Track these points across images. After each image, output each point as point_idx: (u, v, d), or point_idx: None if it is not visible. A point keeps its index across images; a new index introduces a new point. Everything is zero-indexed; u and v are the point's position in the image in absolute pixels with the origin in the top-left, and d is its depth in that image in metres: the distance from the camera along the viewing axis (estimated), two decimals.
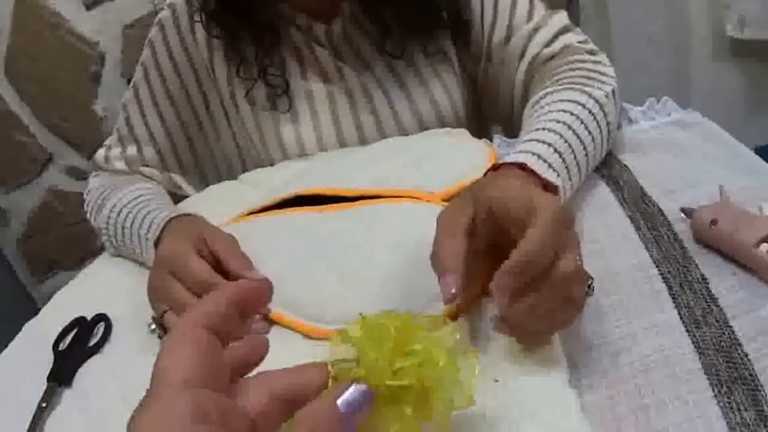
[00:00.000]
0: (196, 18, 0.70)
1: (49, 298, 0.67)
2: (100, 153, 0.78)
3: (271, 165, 0.74)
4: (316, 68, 0.71)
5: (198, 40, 0.72)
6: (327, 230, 0.53)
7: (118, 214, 0.64)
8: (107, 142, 0.78)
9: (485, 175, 0.48)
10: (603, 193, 0.53)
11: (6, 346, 0.60)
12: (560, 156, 0.47)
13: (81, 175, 1.56)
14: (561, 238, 0.36)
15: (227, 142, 0.78)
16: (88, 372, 0.53)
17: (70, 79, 1.44)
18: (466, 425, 0.36)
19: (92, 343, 0.56)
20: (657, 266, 0.45)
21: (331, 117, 0.71)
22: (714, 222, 0.44)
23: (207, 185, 0.78)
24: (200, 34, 0.71)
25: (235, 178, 0.77)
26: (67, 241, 1.62)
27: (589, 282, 0.39)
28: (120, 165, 0.76)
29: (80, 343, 0.57)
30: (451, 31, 0.70)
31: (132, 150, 0.76)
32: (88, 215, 0.74)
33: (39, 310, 0.65)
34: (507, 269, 0.35)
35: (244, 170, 0.78)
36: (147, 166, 0.76)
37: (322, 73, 0.71)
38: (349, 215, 0.54)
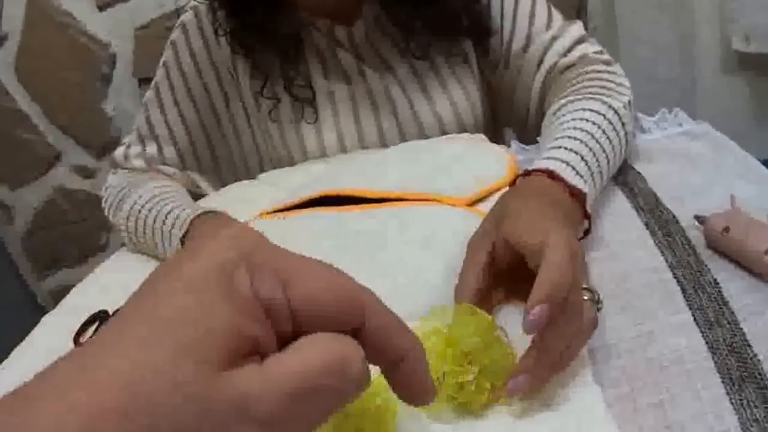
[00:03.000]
0: (220, 20, 0.71)
1: (51, 295, 0.66)
2: (119, 151, 0.79)
3: (291, 165, 0.75)
4: (338, 70, 0.72)
5: (221, 43, 0.73)
6: (355, 229, 0.54)
7: (139, 211, 0.65)
8: (126, 140, 0.79)
9: (514, 182, 0.50)
10: (619, 200, 0.55)
11: (7, 340, 0.60)
12: (586, 164, 0.49)
13: (88, 174, 1.57)
14: (575, 271, 0.37)
15: (246, 139, 0.79)
16: None
17: (80, 78, 1.45)
18: (495, 419, 0.38)
19: None
20: (672, 270, 0.47)
21: (353, 119, 0.72)
22: (726, 229, 0.46)
23: (224, 185, 0.79)
24: (223, 37, 0.72)
25: (252, 177, 0.77)
26: (70, 238, 1.63)
27: (597, 297, 0.41)
28: (139, 163, 0.77)
29: None
30: (472, 37, 0.72)
31: (152, 148, 0.77)
32: (106, 212, 0.74)
33: (41, 306, 0.65)
34: (538, 299, 0.35)
35: (262, 169, 0.79)
36: (166, 164, 0.77)
37: (345, 76, 0.72)
38: (375, 216, 0.55)
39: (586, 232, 0.49)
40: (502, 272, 0.43)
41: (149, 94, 0.77)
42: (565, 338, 0.37)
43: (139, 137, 0.77)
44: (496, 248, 0.42)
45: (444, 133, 0.73)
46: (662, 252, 0.48)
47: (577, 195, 0.47)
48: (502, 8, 0.71)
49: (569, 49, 0.67)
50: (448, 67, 0.73)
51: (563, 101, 0.59)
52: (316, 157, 0.73)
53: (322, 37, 0.72)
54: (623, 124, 0.55)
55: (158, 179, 0.74)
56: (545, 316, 0.35)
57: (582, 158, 0.49)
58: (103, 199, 0.76)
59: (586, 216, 0.48)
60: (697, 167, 0.58)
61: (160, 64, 0.76)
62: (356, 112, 0.72)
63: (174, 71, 0.74)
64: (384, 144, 0.73)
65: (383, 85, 0.72)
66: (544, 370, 0.37)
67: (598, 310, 0.41)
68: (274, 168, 0.77)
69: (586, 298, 0.39)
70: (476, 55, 0.74)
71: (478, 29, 0.71)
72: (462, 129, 0.73)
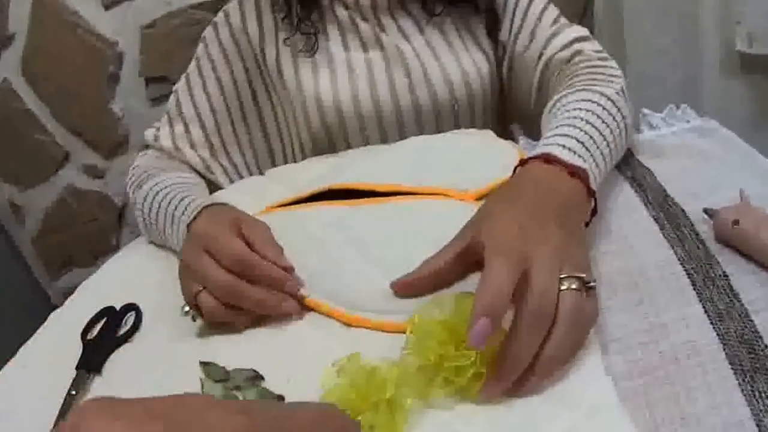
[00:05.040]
0: (247, 15, 0.78)
1: (64, 295, 0.66)
2: (149, 132, 0.82)
3: (307, 124, 0.77)
4: (356, 40, 0.77)
5: (249, 34, 0.78)
6: (364, 223, 0.55)
7: (157, 193, 0.67)
8: (156, 123, 0.83)
9: (513, 172, 0.50)
10: (628, 194, 0.56)
11: (21, 341, 0.60)
12: (583, 145, 0.50)
13: (97, 174, 1.58)
14: (515, 267, 0.38)
15: (270, 124, 0.83)
16: (119, 360, 0.53)
17: (88, 78, 1.46)
18: (508, 412, 0.38)
19: (122, 332, 0.56)
20: (682, 264, 0.47)
21: (368, 78, 0.75)
22: (736, 222, 0.46)
23: (249, 172, 0.83)
24: (252, 27, 0.78)
25: (275, 164, 0.81)
26: (81, 238, 1.63)
27: (585, 281, 0.40)
28: (167, 143, 0.80)
29: (110, 333, 0.56)
30: (487, 24, 0.76)
31: (179, 128, 0.80)
32: (127, 189, 0.77)
33: (54, 306, 0.65)
34: (473, 316, 0.37)
35: (284, 155, 0.84)
36: (193, 147, 0.80)
37: (362, 44, 0.77)
38: (384, 210, 0.56)
39: (594, 211, 0.49)
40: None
41: (180, 82, 0.81)
42: (531, 339, 0.38)
43: (168, 119, 0.81)
44: (475, 243, 0.44)
45: (452, 95, 0.75)
46: (672, 246, 0.48)
47: (577, 173, 0.47)
48: (515, 7, 0.75)
49: (567, 45, 0.70)
50: (462, 44, 0.77)
51: (557, 97, 0.60)
52: (331, 109, 0.75)
53: (345, 11, 0.76)
54: (618, 109, 0.56)
55: (184, 171, 0.77)
56: (485, 329, 0.36)
57: (578, 141, 0.50)
58: (128, 177, 0.78)
59: (591, 193, 0.48)
60: (705, 163, 0.58)
61: (193, 57, 0.81)
62: (371, 72, 0.75)
63: (204, 61, 0.80)
64: (396, 102, 0.75)
65: (398, 51, 0.75)
66: (514, 373, 0.38)
67: (590, 288, 0.40)
68: (295, 152, 0.81)
69: (574, 286, 0.39)
70: (491, 43, 0.77)
71: (493, 18, 0.75)
72: (470, 95, 0.76)
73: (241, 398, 0.45)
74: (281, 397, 0.44)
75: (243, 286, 0.50)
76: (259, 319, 0.52)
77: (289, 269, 0.52)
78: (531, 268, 0.39)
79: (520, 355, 0.38)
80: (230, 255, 0.50)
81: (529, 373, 0.38)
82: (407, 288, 0.47)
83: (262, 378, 0.46)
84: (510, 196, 0.46)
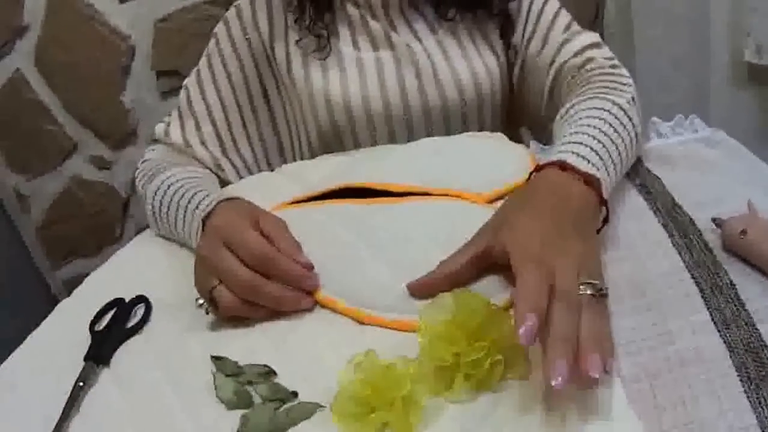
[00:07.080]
0: (259, 12, 0.78)
1: (65, 285, 0.66)
2: (160, 126, 0.82)
3: (317, 125, 0.77)
4: (367, 39, 0.77)
5: (261, 29, 0.78)
6: (378, 222, 0.55)
7: (169, 187, 0.67)
8: (166, 118, 0.83)
9: (528, 178, 0.51)
10: (637, 202, 0.56)
11: (20, 330, 0.60)
12: (596, 153, 0.51)
13: (104, 165, 1.58)
14: (546, 277, 0.40)
15: (280, 120, 0.83)
16: (128, 352, 0.53)
17: (100, 70, 1.46)
18: (519, 411, 0.38)
19: (131, 324, 0.56)
20: (689, 271, 0.47)
21: (378, 77, 0.76)
22: (744, 232, 0.47)
23: (259, 169, 0.83)
24: (263, 24, 0.78)
25: (285, 161, 0.82)
26: (85, 229, 1.63)
27: (599, 287, 0.42)
28: (177, 138, 0.79)
29: (118, 324, 0.56)
30: (501, 28, 0.77)
31: (190, 125, 0.80)
32: (137, 182, 0.77)
33: (54, 296, 0.64)
34: (520, 316, 0.37)
35: (293, 151, 0.84)
36: (203, 144, 0.80)
37: (373, 43, 0.77)
38: (398, 209, 0.56)
39: (605, 220, 0.50)
40: (500, 266, 0.46)
41: (190, 78, 0.81)
42: (569, 320, 0.38)
43: (179, 115, 0.81)
44: (494, 248, 0.45)
45: (462, 96, 0.76)
46: (680, 253, 0.49)
47: (591, 181, 0.48)
48: (528, 12, 0.75)
49: (580, 51, 0.70)
50: (474, 45, 0.77)
51: (570, 104, 0.61)
52: (341, 109, 0.75)
53: (356, 10, 0.76)
54: (629, 118, 0.57)
55: (196, 166, 0.78)
56: (534, 324, 0.37)
57: (592, 149, 0.51)
58: (138, 170, 0.78)
59: (603, 203, 0.49)
60: (713, 173, 0.59)
61: (204, 53, 0.81)
62: (381, 73, 0.76)
63: (215, 56, 0.80)
64: (405, 102, 0.75)
65: (409, 51, 0.75)
66: (569, 349, 0.37)
67: (603, 296, 0.42)
68: (304, 148, 0.81)
69: (589, 292, 0.41)
70: (504, 46, 0.78)
71: (506, 21, 0.76)
72: (480, 97, 0.76)
73: (253, 393, 0.45)
74: (294, 393, 0.44)
75: (262, 283, 0.50)
76: (272, 314, 0.52)
77: (308, 266, 0.52)
78: (555, 276, 0.40)
79: (566, 334, 0.38)
80: (251, 250, 0.50)
81: (583, 352, 0.38)
82: (423, 289, 0.48)
83: (274, 373, 0.46)
84: (528, 202, 0.47)
